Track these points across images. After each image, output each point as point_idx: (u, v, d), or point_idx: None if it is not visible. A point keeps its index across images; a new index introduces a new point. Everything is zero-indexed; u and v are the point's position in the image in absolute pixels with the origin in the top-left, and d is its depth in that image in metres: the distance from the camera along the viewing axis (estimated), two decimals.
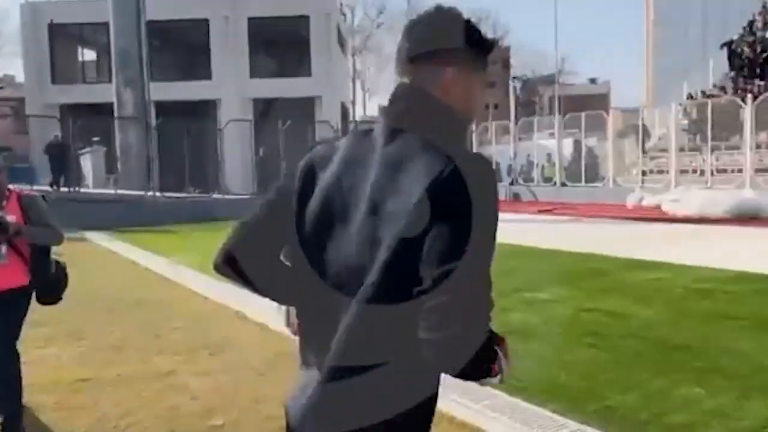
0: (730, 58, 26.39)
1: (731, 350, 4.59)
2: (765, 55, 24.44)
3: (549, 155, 22.73)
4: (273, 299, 1.43)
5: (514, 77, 25.35)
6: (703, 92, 23.74)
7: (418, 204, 1.12)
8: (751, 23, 27.07)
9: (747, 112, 16.46)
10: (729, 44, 26.91)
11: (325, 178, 1.29)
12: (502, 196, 17.61)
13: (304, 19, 29.19)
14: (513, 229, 12.36)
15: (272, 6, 28.81)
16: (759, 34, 26.07)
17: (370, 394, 1.20)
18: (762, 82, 22.25)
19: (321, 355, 1.24)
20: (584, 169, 21.18)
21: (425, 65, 1.25)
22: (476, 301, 1.13)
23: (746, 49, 25.71)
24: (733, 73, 25.43)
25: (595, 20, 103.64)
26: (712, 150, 18.38)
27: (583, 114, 21.36)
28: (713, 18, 29.56)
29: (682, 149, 20.18)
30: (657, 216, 15.32)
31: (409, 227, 1.13)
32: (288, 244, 1.35)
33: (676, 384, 3.89)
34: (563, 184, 21.55)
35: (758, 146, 17.56)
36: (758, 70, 24.05)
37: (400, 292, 1.14)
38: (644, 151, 21.25)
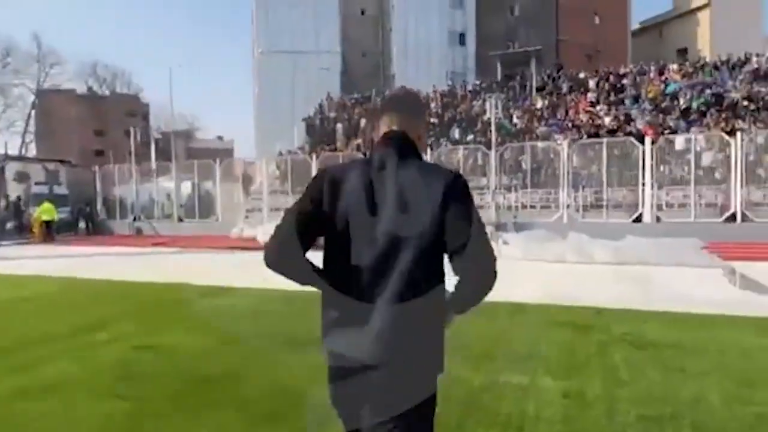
0: (307, 129, 29.05)
1: (261, 375, 4.01)
2: (330, 127, 27.53)
3: (168, 195, 20.88)
4: (303, 284, 1.51)
5: (132, 127, 22.52)
6: (289, 151, 25.27)
7: (440, 201, 1.39)
8: (320, 105, 30.43)
9: (312, 165, 17.80)
10: (307, 119, 29.67)
11: (349, 189, 1.44)
12: (126, 231, 14.77)
13: None
14: (110, 263, 10.66)
15: None
16: (326, 113, 29.41)
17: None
18: (328, 146, 24.88)
19: (366, 315, 1.39)
20: (199, 207, 20.02)
21: (408, 122, 1.57)
22: (493, 253, 1.41)
23: (317, 123, 28.66)
24: (309, 139, 28.04)
25: (225, 90, 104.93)
26: (297, 193, 19.40)
27: (195, 162, 20.34)
28: (299, 95, 32.06)
29: (275, 192, 20.80)
30: (252, 245, 15.07)
31: (434, 219, 1.39)
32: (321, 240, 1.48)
33: (198, 416, 3.03)
34: (180, 220, 19.99)
35: None
36: (326, 138, 26.96)
37: (427, 269, 1.40)
38: (248, 193, 21.34)
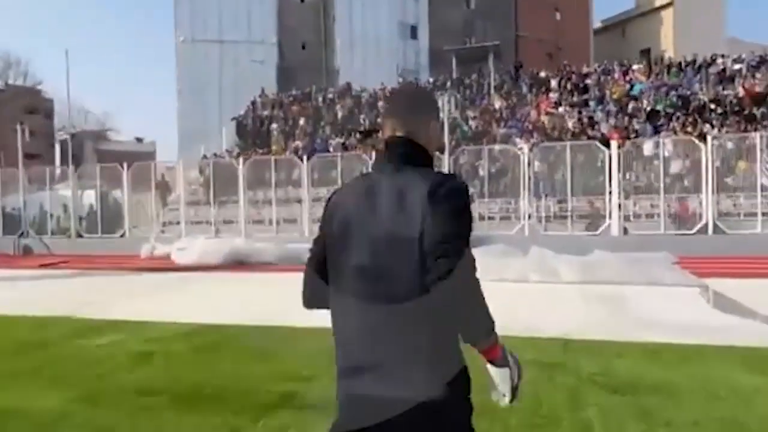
0: (238, 129, 28.03)
1: None
2: (265, 128, 26.65)
3: (65, 206, 19.35)
4: None
5: (20, 123, 20.87)
6: (215, 154, 24.21)
7: (422, 209, 1.38)
8: (253, 102, 29.49)
9: (239, 170, 16.96)
10: (238, 118, 28.64)
11: (341, 212, 1.51)
12: (10, 250, 13.43)
13: None
14: None
15: None
16: (259, 112, 28.49)
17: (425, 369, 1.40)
18: (262, 150, 23.98)
19: (367, 354, 1.43)
20: (102, 220, 18.62)
21: (415, 123, 1.56)
22: (474, 269, 1.39)
23: (250, 123, 27.70)
24: (240, 141, 27.03)
25: (141, 87, 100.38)
26: (222, 203, 18.39)
27: (98, 166, 18.99)
28: (229, 91, 30.95)
29: (198, 202, 19.68)
30: (165, 265, 14.04)
31: (416, 227, 1.37)
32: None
33: None
34: (79, 236, 18.52)
35: (256, 201, 18.12)
36: (260, 140, 26.04)
37: (414, 285, 1.37)
38: (165, 204, 20.16)
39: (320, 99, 28.28)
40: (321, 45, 34.83)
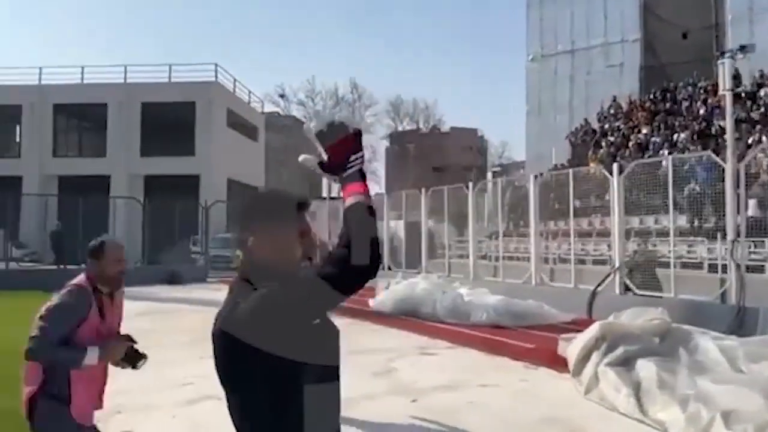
0: (573, 148, 23.86)
1: None
2: (593, 142, 21.77)
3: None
4: None
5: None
6: (557, 166, 21.04)
7: None
8: (599, 113, 24.67)
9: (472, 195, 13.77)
10: (569, 137, 24.43)
11: None
12: None
13: (190, 105, 28.26)
14: None
15: (164, 94, 28.16)
16: (594, 124, 23.58)
17: None
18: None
19: None
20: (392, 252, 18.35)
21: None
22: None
23: (579, 139, 23.12)
24: (572, 160, 22.87)
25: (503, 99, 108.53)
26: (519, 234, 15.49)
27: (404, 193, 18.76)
28: (577, 111, 27.16)
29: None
30: (354, 309, 12.35)
31: None
32: None
33: None
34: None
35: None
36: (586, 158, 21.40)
37: None
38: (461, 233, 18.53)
39: (680, 97, 21.29)
40: (710, 29, 26.47)
